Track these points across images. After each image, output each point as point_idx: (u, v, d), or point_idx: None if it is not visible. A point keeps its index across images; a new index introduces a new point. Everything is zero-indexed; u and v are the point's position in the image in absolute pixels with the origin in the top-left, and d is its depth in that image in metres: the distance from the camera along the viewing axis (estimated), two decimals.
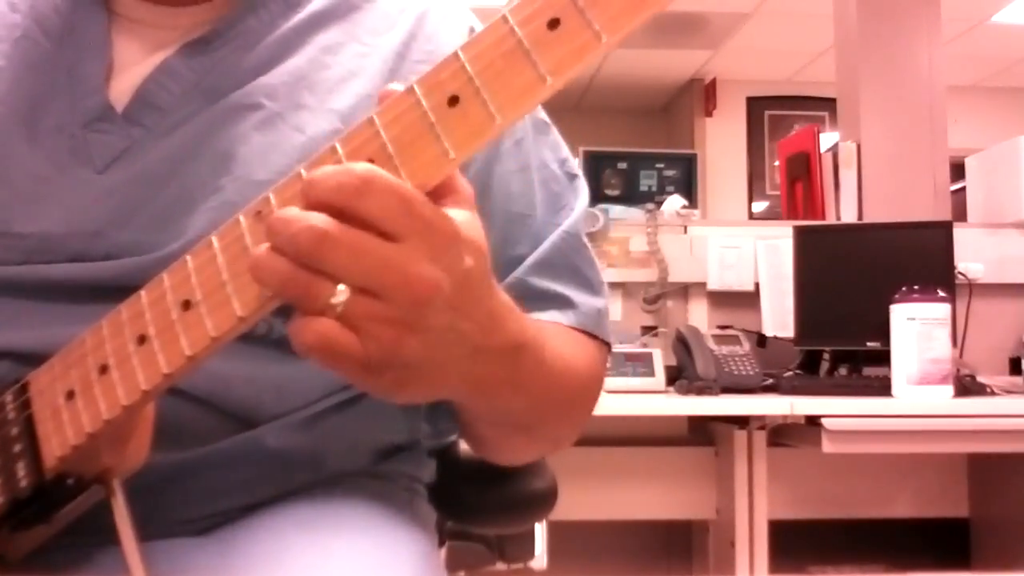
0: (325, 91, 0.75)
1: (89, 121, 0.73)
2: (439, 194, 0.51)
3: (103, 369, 0.56)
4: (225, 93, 0.73)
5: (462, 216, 0.52)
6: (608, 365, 2.41)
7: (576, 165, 0.85)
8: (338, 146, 0.51)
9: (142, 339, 0.55)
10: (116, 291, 0.58)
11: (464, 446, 1.01)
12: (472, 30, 0.80)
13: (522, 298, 0.76)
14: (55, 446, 0.58)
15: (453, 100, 0.49)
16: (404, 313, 0.49)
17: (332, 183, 0.48)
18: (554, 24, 0.47)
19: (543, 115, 0.84)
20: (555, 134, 0.85)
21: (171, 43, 0.76)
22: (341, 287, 0.48)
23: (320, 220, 0.47)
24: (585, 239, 0.82)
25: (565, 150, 0.85)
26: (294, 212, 0.48)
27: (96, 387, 0.56)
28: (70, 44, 0.76)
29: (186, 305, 0.53)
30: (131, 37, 0.77)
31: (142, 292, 0.56)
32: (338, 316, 0.48)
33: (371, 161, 0.50)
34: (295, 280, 0.48)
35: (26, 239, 0.70)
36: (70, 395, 0.58)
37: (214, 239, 0.54)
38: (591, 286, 0.80)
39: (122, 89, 0.74)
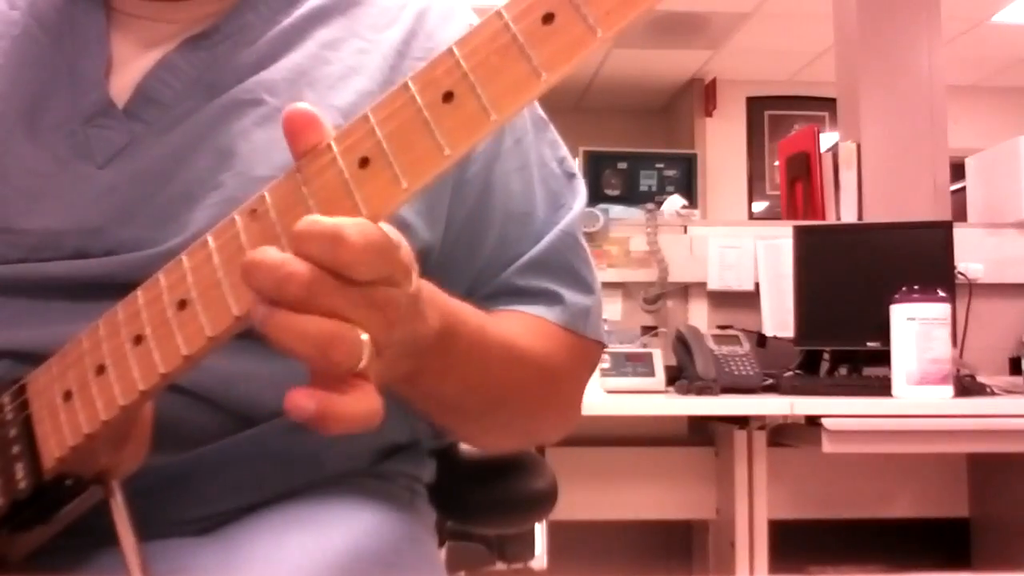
0: (326, 87, 0.74)
1: (90, 117, 0.73)
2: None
3: (100, 370, 0.56)
4: (226, 89, 0.73)
5: (386, 228, 0.53)
6: (606, 365, 2.41)
7: (574, 164, 0.86)
8: (333, 144, 0.51)
9: (139, 339, 0.55)
10: (117, 288, 0.58)
11: (465, 446, 1.01)
12: (472, 27, 0.80)
13: (512, 294, 0.77)
14: (53, 447, 0.58)
15: (448, 96, 0.49)
16: (382, 336, 0.51)
17: (328, 252, 0.48)
18: (548, 19, 0.47)
19: (541, 112, 0.84)
20: (553, 132, 0.85)
21: (170, 38, 0.75)
22: (365, 338, 0.49)
23: (321, 274, 0.48)
24: (582, 238, 0.82)
25: (563, 149, 0.85)
26: (295, 263, 0.48)
27: (93, 388, 0.56)
28: (69, 40, 0.76)
29: (182, 304, 0.53)
30: (129, 32, 0.76)
31: (138, 292, 0.56)
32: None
33: (365, 160, 0.50)
34: (336, 332, 0.49)
35: (27, 236, 0.70)
36: (68, 396, 0.57)
37: (209, 238, 0.54)
38: (584, 285, 0.81)
39: (122, 85, 0.74)
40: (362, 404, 0.51)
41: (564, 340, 0.78)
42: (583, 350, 0.80)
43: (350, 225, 0.48)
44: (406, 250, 0.52)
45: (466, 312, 0.65)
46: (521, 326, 0.76)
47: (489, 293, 0.77)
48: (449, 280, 0.76)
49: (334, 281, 0.48)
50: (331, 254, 0.48)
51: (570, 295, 0.79)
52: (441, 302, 0.61)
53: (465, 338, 0.64)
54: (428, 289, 0.59)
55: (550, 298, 0.78)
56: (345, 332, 0.49)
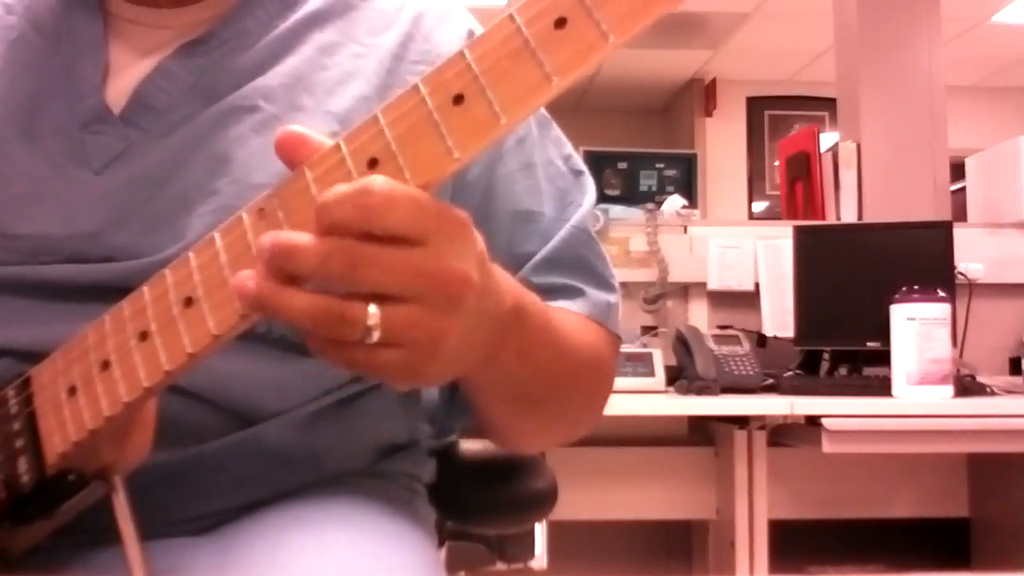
0: (323, 93, 0.74)
1: (86, 123, 0.73)
2: None
3: (105, 365, 0.56)
4: (222, 95, 0.73)
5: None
6: None
7: (580, 161, 0.85)
8: (342, 144, 0.51)
9: (144, 335, 0.55)
10: (115, 292, 0.58)
11: (464, 446, 1.01)
12: (471, 32, 0.80)
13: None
14: (57, 442, 0.58)
15: (458, 99, 0.49)
16: (442, 311, 0.50)
17: (351, 204, 0.48)
18: (561, 23, 0.47)
19: (544, 111, 0.84)
20: (556, 129, 0.85)
21: (167, 44, 0.75)
22: (372, 308, 0.48)
23: (347, 243, 0.48)
24: (594, 235, 0.82)
25: (568, 146, 0.85)
26: (313, 240, 0.48)
27: (98, 383, 0.56)
28: (66, 46, 0.76)
29: (188, 302, 0.53)
30: (126, 38, 0.76)
31: (144, 288, 0.56)
32: (379, 339, 0.49)
33: (374, 161, 0.50)
34: (329, 310, 0.48)
35: (24, 240, 0.70)
36: (72, 391, 0.58)
37: (217, 237, 0.54)
38: (602, 281, 0.80)
39: (119, 91, 0.74)
40: (302, 300, 0.49)
41: (598, 331, 0.78)
42: (608, 341, 0.80)
43: (375, 178, 0.48)
44: (458, 212, 0.51)
45: (529, 292, 0.65)
46: (566, 314, 0.75)
47: None
48: None
49: (376, 249, 0.48)
50: (360, 206, 0.47)
51: (591, 290, 0.79)
52: (508, 277, 0.60)
53: (536, 316, 0.63)
54: (498, 267, 0.58)
55: (570, 292, 0.78)
56: (338, 309, 0.48)
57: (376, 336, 0.49)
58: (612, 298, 0.80)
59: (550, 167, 0.81)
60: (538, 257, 0.78)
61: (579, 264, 0.79)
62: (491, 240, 0.77)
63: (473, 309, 0.52)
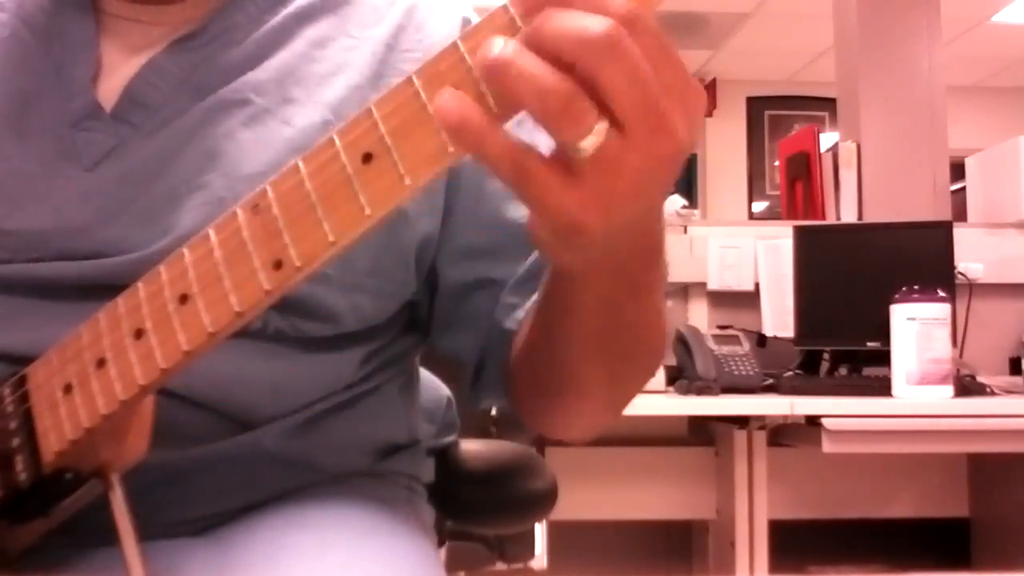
0: (314, 84, 0.74)
1: (77, 120, 0.72)
2: None
3: (100, 363, 0.56)
4: (213, 89, 0.73)
5: None
6: None
7: None
8: (336, 138, 0.51)
9: (139, 333, 0.54)
10: (105, 290, 0.58)
11: (464, 446, 1.00)
12: (467, 20, 0.79)
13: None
14: (53, 440, 0.58)
15: None
16: (648, 163, 0.45)
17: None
18: None
19: None
20: None
21: (158, 40, 0.75)
22: (600, 126, 0.44)
23: (614, 28, 0.42)
24: None
25: None
26: (580, 17, 0.43)
27: (93, 382, 0.56)
28: (57, 43, 0.75)
29: (183, 299, 0.53)
30: (117, 35, 0.76)
31: (140, 285, 0.56)
32: (591, 156, 0.44)
33: (369, 155, 0.50)
34: (563, 90, 0.43)
35: (12, 236, 0.70)
36: (68, 389, 0.57)
37: (211, 232, 0.53)
38: None
39: (110, 88, 0.74)
40: (511, 154, 0.44)
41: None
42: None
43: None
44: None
45: (663, 259, 0.59)
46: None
47: (523, 277, 0.75)
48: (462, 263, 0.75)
49: (638, 59, 0.44)
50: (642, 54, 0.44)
51: None
52: (663, 227, 0.56)
53: (658, 276, 0.59)
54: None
55: None
56: (580, 100, 0.43)
57: (590, 148, 0.44)
58: None
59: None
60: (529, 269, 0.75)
61: None
62: (483, 216, 0.76)
63: (666, 185, 0.48)
